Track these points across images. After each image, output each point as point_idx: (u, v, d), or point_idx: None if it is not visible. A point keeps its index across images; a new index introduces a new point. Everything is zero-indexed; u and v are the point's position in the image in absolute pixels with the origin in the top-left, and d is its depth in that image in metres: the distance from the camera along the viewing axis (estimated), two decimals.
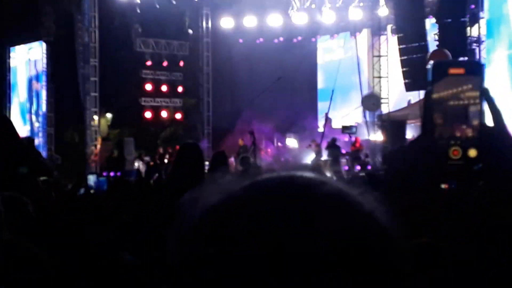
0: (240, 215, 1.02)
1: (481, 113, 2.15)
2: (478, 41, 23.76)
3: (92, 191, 12.40)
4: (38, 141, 28.27)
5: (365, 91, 26.86)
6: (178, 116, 32.31)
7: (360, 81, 27.61)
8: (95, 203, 7.56)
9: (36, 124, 29.10)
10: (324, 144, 26.05)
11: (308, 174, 1.09)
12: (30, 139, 10.37)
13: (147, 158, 27.93)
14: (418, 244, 2.10)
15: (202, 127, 33.01)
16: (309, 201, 1.02)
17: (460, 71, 2.17)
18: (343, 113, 29.44)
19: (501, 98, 23.03)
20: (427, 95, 2.14)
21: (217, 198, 1.06)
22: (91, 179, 18.75)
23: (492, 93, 2.18)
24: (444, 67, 2.18)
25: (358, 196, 1.06)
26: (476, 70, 2.16)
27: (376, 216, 1.04)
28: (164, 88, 31.99)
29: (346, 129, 25.85)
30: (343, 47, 32.51)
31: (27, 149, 7.28)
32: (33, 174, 6.53)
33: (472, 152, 2.09)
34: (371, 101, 23.36)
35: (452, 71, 2.16)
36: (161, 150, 28.45)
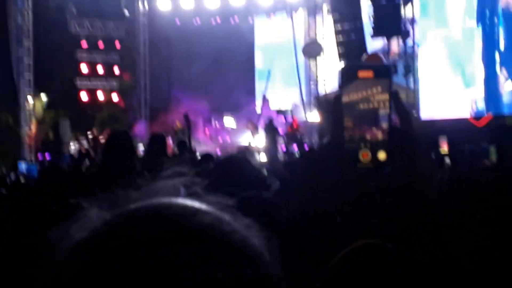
0: (102, 254, 0.98)
1: (390, 116, 2.20)
2: (412, 21, 24.06)
3: (21, 179, 12.21)
4: None
5: (302, 72, 26.97)
6: (115, 97, 31.98)
7: (297, 62, 27.70)
8: (22, 194, 7.45)
9: None
10: (261, 125, 26.11)
11: (180, 202, 1.05)
12: None
13: (83, 140, 27.63)
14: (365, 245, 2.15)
15: (139, 109, 32.77)
16: (176, 238, 0.98)
17: (369, 74, 2.21)
18: (282, 94, 29.59)
19: (438, 77, 23.46)
20: (336, 99, 2.18)
21: (82, 234, 1.03)
22: (22, 166, 18.47)
23: (400, 96, 2.23)
24: (353, 70, 2.22)
25: (231, 225, 1.05)
26: (384, 73, 2.21)
27: (249, 244, 1.04)
28: (100, 69, 31.60)
29: (280, 112, 25.98)
30: (280, 28, 32.57)
31: None
32: None
33: (382, 155, 2.14)
34: (312, 47, 23.29)
35: (362, 74, 2.20)
36: (95, 132, 28.14)
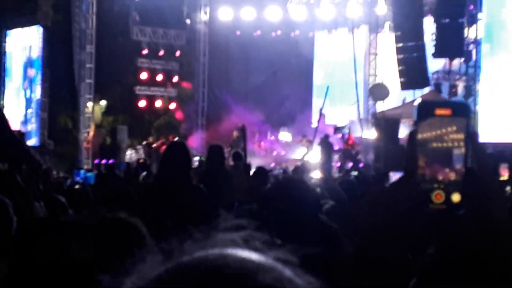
0: None
1: (466, 157, 2.11)
2: (475, 42, 23.74)
3: (77, 186, 12.34)
4: (31, 127, 28.21)
5: (360, 89, 26.84)
6: (173, 106, 32.24)
7: (356, 79, 27.57)
8: (77, 199, 7.53)
9: (30, 110, 28.99)
10: (317, 140, 26.02)
11: (244, 256, 0.99)
12: (20, 134, 10.33)
13: (139, 147, 27.90)
14: None
15: (196, 118, 32.95)
16: None
17: (447, 112, 2.13)
18: (338, 109, 29.46)
19: (500, 101, 23.05)
20: (411, 135, 2.10)
21: (137, 285, 0.97)
22: (80, 174, 18.70)
23: (479, 138, 2.16)
24: (430, 107, 2.13)
25: (293, 283, 0.98)
26: (463, 111, 2.12)
27: None
28: (159, 77, 31.90)
29: (337, 130, 25.83)
30: (340, 44, 32.48)
31: (18, 143, 7.25)
32: (19, 169, 6.48)
33: (456, 197, 2.06)
34: (379, 89, 23.02)
35: (439, 111, 2.12)
36: (151, 140, 28.40)
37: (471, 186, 2.05)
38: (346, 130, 25.41)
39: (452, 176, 2.10)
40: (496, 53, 23.57)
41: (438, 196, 2.05)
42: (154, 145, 27.45)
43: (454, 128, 2.15)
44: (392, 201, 2.08)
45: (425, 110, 2.10)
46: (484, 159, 2.08)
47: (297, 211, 3.87)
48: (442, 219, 2.12)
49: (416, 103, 1.98)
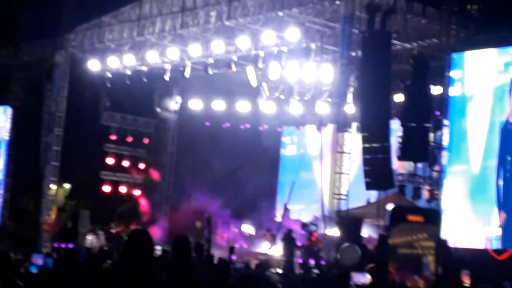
0: None
1: (436, 264, 2.16)
2: (440, 147, 24.13)
3: (35, 271, 12.12)
4: None
5: (326, 186, 26.96)
6: (137, 192, 32.10)
7: (321, 175, 27.74)
8: (35, 285, 7.41)
9: None
10: (280, 235, 25.97)
11: None
12: None
13: (100, 233, 27.58)
14: None
15: (160, 206, 32.79)
16: None
17: (419, 218, 2.18)
18: (301, 206, 29.54)
19: (458, 210, 23.28)
20: (382, 239, 2.14)
21: None
22: (38, 257, 18.38)
23: (448, 245, 2.17)
24: (403, 212, 2.18)
25: None
26: (435, 218, 2.17)
27: None
28: (125, 163, 31.86)
29: (305, 226, 25.83)
30: (307, 141, 32.92)
31: None
32: None
33: None
34: (348, 254, 22.12)
35: (411, 218, 2.17)
36: (112, 226, 28.14)
37: None
38: (313, 227, 25.41)
39: (421, 283, 2.13)
40: (455, 162, 23.95)
41: None
42: (113, 231, 27.21)
43: (425, 235, 2.20)
44: None
45: (397, 215, 2.14)
46: (454, 267, 2.11)
47: None
48: None
49: (389, 207, 2.05)
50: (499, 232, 22.14)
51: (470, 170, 23.33)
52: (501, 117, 22.75)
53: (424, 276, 3.18)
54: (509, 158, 22.36)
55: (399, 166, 26.78)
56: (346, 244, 20.50)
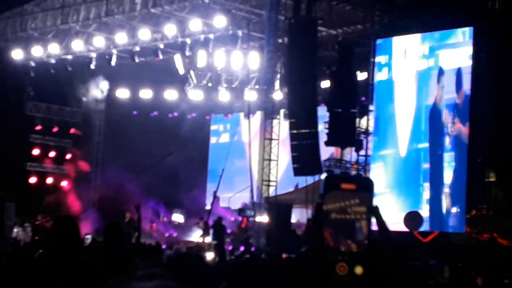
0: None
1: (369, 230, 2.23)
2: (366, 132, 24.49)
3: None
4: None
5: (255, 173, 27.11)
6: (64, 183, 31.65)
7: (250, 163, 27.88)
8: None
9: None
10: (210, 222, 26.00)
11: None
12: None
13: (27, 225, 27.10)
14: None
15: (88, 196, 32.41)
16: None
17: (351, 186, 2.26)
18: (231, 192, 29.62)
19: (381, 199, 23.67)
20: (318, 207, 2.20)
21: None
22: None
23: (381, 211, 2.28)
24: (336, 180, 2.26)
25: None
26: (366, 186, 2.25)
27: None
28: (52, 154, 31.37)
29: (242, 212, 25.90)
30: (236, 128, 33.02)
31: None
32: None
33: (358, 270, 2.16)
34: (413, 221, 22.66)
35: (344, 186, 2.24)
36: (39, 218, 27.69)
37: (374, 259, 2.16)
38: (250, 212, 25.51)
39: (354, 247, 2.20)
40: (383, 146, 24.34)
41: (341, 268, 2.14)
42: (38, 222, 26.78)
43: (357, 201, 2.27)
44: (299, 272, 2.16)
45: (331, 184, 2.21)
46: (387, 231, 2.19)
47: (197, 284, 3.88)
48: None
49: (323, 176, 2.10)
50: (426, 214, 22.64)
51: (398, 153, 23.77)
52: (427, 101, 23.20)
53: (357, 239, 3.27)
54: (437, 140, 22.85)
55: (336, 152, 27.09)
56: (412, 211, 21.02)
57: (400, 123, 23.85)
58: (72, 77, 30.63)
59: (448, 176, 22.44)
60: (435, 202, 22.66)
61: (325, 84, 26.76)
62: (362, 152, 24.50)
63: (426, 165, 23.04)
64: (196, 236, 26.71)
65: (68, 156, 32.04)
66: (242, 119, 33.17)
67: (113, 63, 29.15)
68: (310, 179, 24.28)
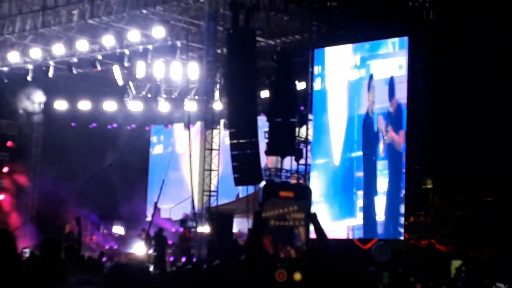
0: None
1: (307, 236, 2.30)
2: (306, 141, 24.68)
3: None
4: None
5: (195, 183, 27.05)
6: (1, 197, 31.11)
7: (191, 173, 27.82)
8: None
9: None
10: (151, 234, 25.84)
11: None
12: None
13: None
14: None
15: (26, 210, 31.89)
16: None
17: (290, 194, 2.32)
18: (170, 204, 29.55)
19: (316, 208, 23.80)
20: (256, 214, 2.26)
21: None
22: None
23: (319, 218, 2.33)
24: (274, 188, 2.32)
25: None
26: (304, 194, 2.32)
27: None
28: None
29: (183, 223, 25.78)
30: (176, 139, 32.95)
31: None
32: None
33: (297, 276, 2.22)
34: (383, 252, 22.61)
35: (283, 193, 2.30)
36: None
37: (312, 265, 2.22)
38: (191, 223, 25.40)
39: (293, 253, 2.26)
40: (317, 155, 24.56)
41: (281, 275, 2.20)
42: None
43: (296, 207, 2.33)
44: (238, 280, 2.21)
45: (269, 191, 2.26)
46: (324, 238, 2.25)
47: None
48: None
49: (261, 185, 2.17)
50: (360, 221, 22.93)
51: (332, 163, 24.00)
52: (359, 110, 23.49)
53: (295, 246, 3.33)
54: (371, 149, 23.14)
55: (268, 161, 27.25)
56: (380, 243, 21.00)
57: (333, 132, 24.10)
58: (8, 89, 30.16)
59: (381, 183, 22.73)
60: (368, 209, 22.94)
61: (265, 94, 26.94)
62: (302, 161, 24.68)
63: (359, 174, 23.30)
64: (137, 248, 26.49)
65: (5, 170, 31.48)
66: (176, 130, 33.23)
67: (50, 74, 28.84)
68: (251, 188, 24.39)
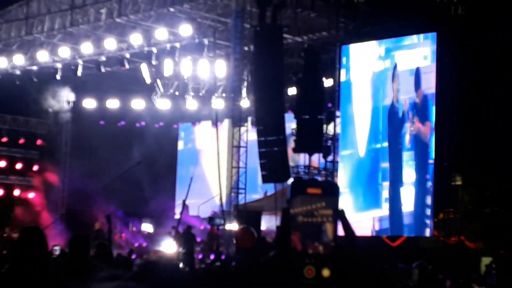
0: None
1: (335, 232, 2.30)
2: (334, 138, 24.62)
3: None
4: None
5: (223, 181, 27.10)
6: (32, 195, 31.40)
7: (219, 170, 27.87)
8: None
9: None
10: (181, 231, 25.92)
11: None
12: None
13: None
14: None
15: (56, 208, 32.16)
16: None
17: (317, 191, 2.32)
18: (200, 201, 29.59)
19: (341, 199, 23.73)
20: (284, 212, 2.27)
21: None
22: None
23: (347, 215, 2.32)
24: (302, 185, 2.32)
25: None
26: (332, 191, 2.32)
27: None
28: (19, 166, 31.12)
29: (211, 221, 25.83)
30: (204, 137, 33.04)
31: None
32: None
33: (326, 272, 2.23)
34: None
35: (310, 190, 2.31)
36: (7, 230, 27.45)
37: (341, 262, 2.22)
38: (219, 221, 25.45)
39: (321, 249, 2.26)
40: (343, 147, 24.55)
41: (309, 272, 2.20)
42: (5, 235, 26.53)
43: (323, 204, 2.33)
44: (267, 277, 2.22)
45: (297, 188, 2.27)
46: (352, 235, 2.25)
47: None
48: None
49: (289, 182, 2.18)
50: (386, 212, 22.85)
51: (357, 154, 23.99)
52: (384, 101, 23.41)
53: (323, 242, 3.34)
54: (397, 139, 23.06)
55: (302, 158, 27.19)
56: None
57: (358, 123, 24.08)
58: (38, 88, 30.43)
59: (407, 174, 22.65)
60: (394, 200, 22.87)
61: (292, 91, 26.88)
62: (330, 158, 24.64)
63: (385, 164, 23.23)
64: (166, 245, 26.59)
65: (35, 168, 31.79)
66: (203, 128, 33.41)
67: (79, 73, 29.02)
68: (279, 185, 24.38)
